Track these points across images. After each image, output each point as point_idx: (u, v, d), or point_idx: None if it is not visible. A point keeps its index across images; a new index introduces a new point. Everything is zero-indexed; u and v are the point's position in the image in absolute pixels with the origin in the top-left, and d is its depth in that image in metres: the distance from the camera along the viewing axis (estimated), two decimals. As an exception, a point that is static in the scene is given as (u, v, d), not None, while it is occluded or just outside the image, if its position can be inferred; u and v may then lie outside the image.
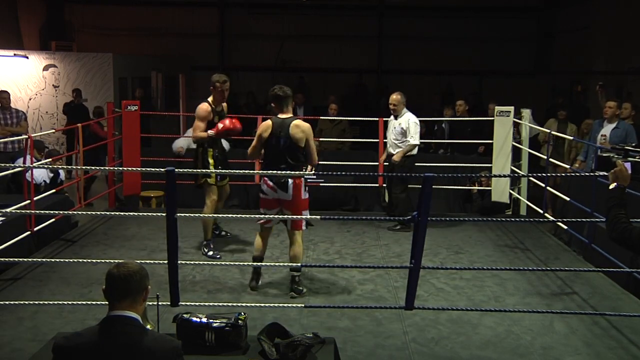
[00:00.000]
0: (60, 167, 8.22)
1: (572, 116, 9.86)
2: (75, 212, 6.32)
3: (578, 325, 4.93)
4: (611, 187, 3.22)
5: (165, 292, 4.33)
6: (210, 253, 6.37)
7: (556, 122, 9.55)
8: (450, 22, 17.42)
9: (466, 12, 17.41)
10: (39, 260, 5.96)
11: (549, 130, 7.92)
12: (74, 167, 8.32)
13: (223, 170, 6.40)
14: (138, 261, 2.66)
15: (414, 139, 7.44)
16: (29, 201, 6.22)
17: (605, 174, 3.36)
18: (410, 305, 4.40)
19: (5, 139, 8.11)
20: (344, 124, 10.00)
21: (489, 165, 8.27)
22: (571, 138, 8.37)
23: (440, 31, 17.42)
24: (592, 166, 7.73)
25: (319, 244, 6.97)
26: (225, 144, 7.12)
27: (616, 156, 3.37)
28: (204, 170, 6.39)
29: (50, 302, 4.99)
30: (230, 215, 6.46)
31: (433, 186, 4.20)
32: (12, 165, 7.30)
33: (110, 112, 8.50)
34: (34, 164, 6.76)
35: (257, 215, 5.87)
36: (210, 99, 6.46)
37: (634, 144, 3.35)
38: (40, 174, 7.69)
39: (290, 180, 5.23)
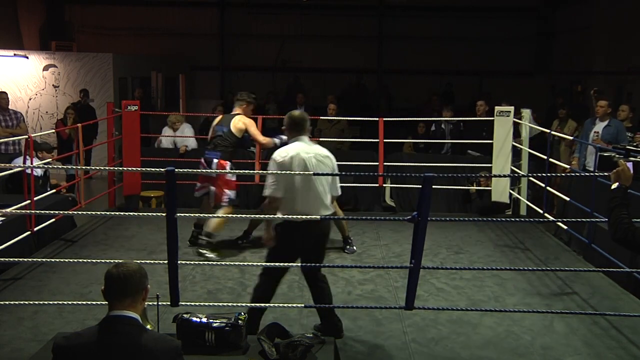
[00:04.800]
0: (61, 167, 8.17)
1: (572, 116, 9.98)
2: (75, 212, 6.31)
3: (578, 325, 4.93)
4: (613, 187, 3.21)
5: (165, 292, 4.33)
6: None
7: (558, 121, 9.79)
8: (450, 22, 17.42)
9: (466, 12, 17.41)
10: (39, 260, 5.96)
11: (549, 130, 7.92)
12: (74, 167, 8.32)
13: (225, 170, 6.41)
14: (138, 261, 2.66)
15: None
16: (29, 201, 6.22)
17: (607, 174, 3.36)
18: (410, 305, 4.39)
19: (5, 139, 8.09)
20: (343, 124, 10.00)
21: (489, 165, 8.27)
22: (571, 138, 8.38)
23: (440, 31, 17.42)
24: (584, 163, 7.76)
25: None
26: None
27: (617, 156, 3.37)
28: (204, 171, 6.40)
29: (50, 302, 4.99)
30: (231, 215, 6.46)
31: (433, 186, 4.19)
32: (13, 165, 7.30)
33: (110, 112, 8.50)
34: (36, 164, 6.76)
35: (256, 216, 5.90)
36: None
37: (634, 144, 3.35)
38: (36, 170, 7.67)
39: (215, 160, 6.41)
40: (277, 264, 4.44)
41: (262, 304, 4.49)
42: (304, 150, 4.35)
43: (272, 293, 4.51)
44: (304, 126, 4.44)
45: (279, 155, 4.36)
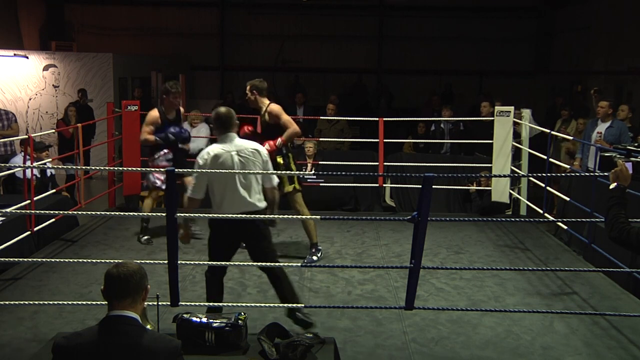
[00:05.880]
0: (60, 167, 8.18)
1: (575, 116, 9.97)
2: (75, 212, 6.31)
3: (578, 325, 4.93)
4: (612, 186, 3.23)
5: (165, 292, 4.33)
6: (315, 258, 6.31)
7: (560, 121, 9.81)
8: (450, 22, 17.43)
9: (466, 12, 17.41)
10: (39, 260, 5.95)
11: (549, 131, 7.92)
12: (74, 167, 8.32)
13: (221, 170, 6.39)
14: (138, 261, 2.66)
15: None
16: (29, 201, 6.22)
17: (606, 174, 3.37)
18: (410, 305, 4.40)
19: None
20: (343, 124, 10.00)
21: (489, 165, 8.27)
22: (570, 138, 8.37)
23: (440, 31, 17.43)
24: (587, 164, 7.76)
25: (319, 244, 6.96)
26: None
27: (618, 156, 3.38)
28: (201, 171, 6.36)
29: (50, 302, 4.99)
30: (230, 215, 6.44)
31: (433, 186, 4.19)
32: (12, 165, 7.30)
33: (110, 112, 8.51)
34: (35, 164, 6.76)
35: (257, 216, 5.89)
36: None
37: (636, 144, 3.35)
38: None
39: None
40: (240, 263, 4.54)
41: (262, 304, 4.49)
42: (226, 148, 4.41)
43: (222, 289, 4.62)
44: (230, 123, 4.49)
45: (201, 157, 4.44)
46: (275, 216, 4.75)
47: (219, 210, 4.45)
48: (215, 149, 4.45)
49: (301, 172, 5.96)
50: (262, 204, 4.52)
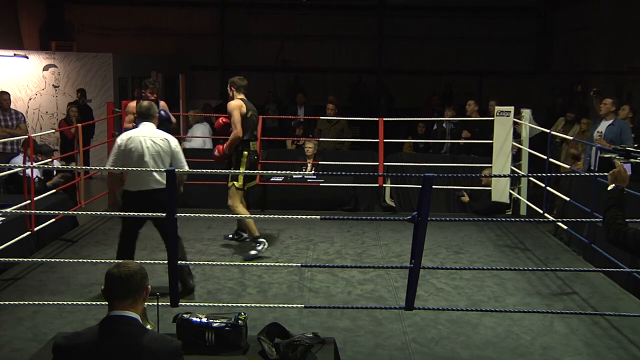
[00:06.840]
0: (61, 167, 8.16)
1: (578, 119, 9.96)
2: (75, 212, 6.32)
3: (578, 325, 4.93)
4: (610, 187, 3.22)
5: (165, 292, 4.33)
6: (254, 252, 6.36)
7: (563, 122, 9.78)
8: (450, 22, 17.41)
9: (466, 12, 17.40)
10: (39, 260, 5.95)
11: (549, 131, 7.92)
12: (74, 167, 8.32)
13: (222, 170, 6.41)
14: (138, 261, 2.66)
15: None
16: (29, 201, 6.22)
17: (606, 174, 3.36)
18: (410, 306, 4.40)
19: (4, 139, 8.08)
20: (343, 124, 9.99)
21: (489, 165, 8.26)
22: (570, 138, 8.38)
23: (440, 31, 17.42)
24: (589, 164, 7.76)
25: (319, 244, 6.97)
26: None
27: (617, 157, 3.38)
28: (201, 170, 6.38)
29: (50, 302, 4.99)
30: (230, 216, 6.46)
31: (433, 186, 4.19)
32: (12, 165, 7.30)
33: (110, 112, 8.51)
34: (35, 164, 6.76)
35: (257, 216, 5.89)
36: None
37: (635, 145, 3.35)
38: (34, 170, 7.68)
39: None
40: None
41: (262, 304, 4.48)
42: (142, 134, 5.16)
43: (134, 247, 5.33)
44: (149, 114, 5.27)
45: (120, 138, 5.20)
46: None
47: (132, 185, 5.18)
48: (131, 132, 5.22)
49: (249, 172, 6.43)
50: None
